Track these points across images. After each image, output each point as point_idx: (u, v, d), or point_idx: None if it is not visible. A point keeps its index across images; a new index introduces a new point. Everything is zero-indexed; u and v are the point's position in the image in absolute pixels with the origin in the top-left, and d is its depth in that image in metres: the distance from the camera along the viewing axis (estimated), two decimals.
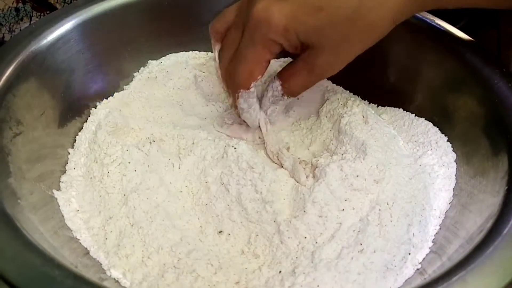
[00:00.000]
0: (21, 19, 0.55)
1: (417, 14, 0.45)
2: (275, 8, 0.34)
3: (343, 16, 0.33)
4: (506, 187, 0.32)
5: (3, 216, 0.30)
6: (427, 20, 0.44)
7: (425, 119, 0.44)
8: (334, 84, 0.51)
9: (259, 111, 0.42)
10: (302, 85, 0.39)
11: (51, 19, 0.44)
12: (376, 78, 0.48)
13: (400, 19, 0.35)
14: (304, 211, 0.36)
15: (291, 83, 0.39)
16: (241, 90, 0.38)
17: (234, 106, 0.41)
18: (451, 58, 0.42)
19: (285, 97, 0.40)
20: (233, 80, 0.39)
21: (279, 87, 0.40)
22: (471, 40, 0.42)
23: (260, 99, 0.42)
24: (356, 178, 0.37)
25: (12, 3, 0.55)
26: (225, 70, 0.40)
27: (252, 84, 0.38)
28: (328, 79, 0.52)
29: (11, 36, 0.54)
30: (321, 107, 0.46)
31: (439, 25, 0.44)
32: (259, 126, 0.43)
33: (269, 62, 0.38)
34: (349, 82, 0.50)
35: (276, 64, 0.49)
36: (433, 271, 0.31)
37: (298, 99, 0.46)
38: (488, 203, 0.33)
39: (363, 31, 0.34)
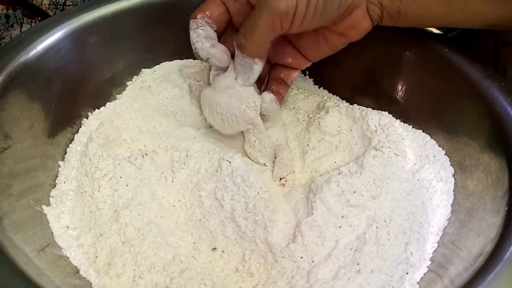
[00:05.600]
0: (12, 26, 0.54)
1: None
2: None
3: None
4: (506, 208, 0.31)
5: None
6: (426, 32, 0.44)
7: (423, 132, 0.43)
8: (331, 94, 0.51)
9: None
10: (250, 26, 0.35)
11: (41, 28, 0.43)
12: (373, 90, 0.47)
13: None
14: (301, 235, 0.35)
15: (241, 27, 0.37)
16: (190, 20, 0.39)
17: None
18: (450, 71, 0.41)
19: (237, 51, 0.37)
20: None
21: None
22: (470, 52, 0.41)
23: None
24: (353, 194, 0.37)
25: (2, 10, 0.53)
26: None
27: (199, 15, 0.39)
28: (325, 88, 0.52)
29: (0, 44, 0.53)
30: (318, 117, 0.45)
31: (437, 36, 0.43)
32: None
33: (224, 7, 0.39)
34: (346, 93, 0.49)
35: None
36: None
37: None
38: (489, 223, 0.32)
39: None
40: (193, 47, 0.39)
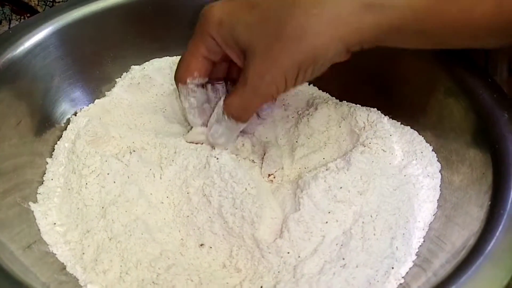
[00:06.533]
0: (0, 23, 0.54)
1: None
2: (217, 5, 0.34)
3: (274, 14, 0.31)
4: (489, 202, 0.32)
5: None
6: None
7: (411, 128, 0.43)
8: (321, 91, 0.51)
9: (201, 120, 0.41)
10: (238, 104, 0.36)
11: (29, 25, 0.43)
12: (361, 86, 0.47)
13: (354, 44, 0.32)
14: (288, 231, 0.35)
15: (228, 101, 0.36)
16: (179, 84, 0.38)
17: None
18: (436, 67, 0.41)
19: (226, 118, 0.37)
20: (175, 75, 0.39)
21: (221, 104, 0.38)
22: (458, 50, 0.42)
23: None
24: (340, 190, 0.37)
25: None
26: None
27: (188, 80, 0.37)
28: (314, 85, 0.52)
29: None
30: (307, 114, 0.45)
31: None
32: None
33: (208, 61, 0.37)
34: (335, 89, 0.49)
35: None
36: (417, 287, 0.31)
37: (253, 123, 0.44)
38: (473, 217, 0.32)
39: (295, 37, 0.31)
40: (184, 113, 0.41)
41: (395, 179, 0.39)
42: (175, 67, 0.50)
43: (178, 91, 0.39)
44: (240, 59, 0.35)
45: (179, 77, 0.38)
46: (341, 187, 0.37)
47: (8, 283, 0.27)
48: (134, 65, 0.50)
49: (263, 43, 0.32)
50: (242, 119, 0.37)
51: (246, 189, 0.37)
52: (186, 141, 0.42)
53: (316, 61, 0.32)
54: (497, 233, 0.29)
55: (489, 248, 0.28)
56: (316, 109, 0.46)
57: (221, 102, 0.38)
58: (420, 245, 0.35)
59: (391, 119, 0.44)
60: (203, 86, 0.39)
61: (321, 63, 0.33)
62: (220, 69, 0.40)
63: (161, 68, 0.50)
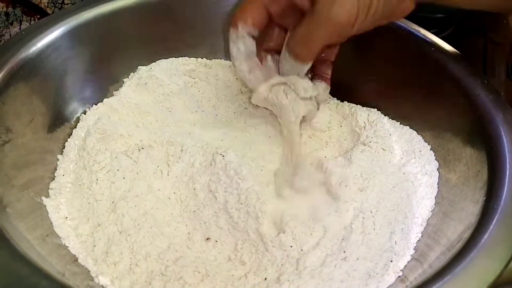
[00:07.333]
0: (11, 24, 0.55)
1: (402, 24, 0.46)
2: None
3: None
4: (484, 198, 0.33)
5: None
6: (411, 30, 0.45)
7: (410, 128, 0.45)
8: None
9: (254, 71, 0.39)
10: (300, 35, 0.34)
11: (41, 26, 0.45)
12: (362, 87, 0.49)
13: None
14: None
15: (291, 33, 0.35)
16: (231, 28, 0.37)
17: None
18: (434, 69, 0.43)
19: (288, 56, 0.36)
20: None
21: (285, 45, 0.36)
22: (454, 50, 0.43)
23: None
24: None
25: (2, 8, 0.55)
26: None
27: (240, 25, 0.36)
28: None
29: (0, 41, 0.54)
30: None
31: (423, 35, 0.45)
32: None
33: (266, 11, 0.35)
34: (336, 90, 0.51)
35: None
36: (414, 278, 0.32)
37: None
38: (469, 212, 0.34)
39: None
40: (231, 60, 0.39)
41: (394, 176, 0.41)
42: (181, 68, 0.52)
43: (229, 39, 0.38)
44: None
45: (232, 21, 0.37)
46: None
47: (29, 269, 0.28)
48: (141, 65, 0.51)
49: None
50: (302, 54, 0.35)
51: (252, 185, 0.38)
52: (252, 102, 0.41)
53: None
54: (491, 227, 0.30)
55: (483, 240, 0.29)
56: (318, 109, 0.47)
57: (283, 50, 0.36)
58: (418, 240, 0.37)
59: (390, 119, 0.46)
60: (253, 38, 0.38)
61: None
62: (278, 37, 0.39)
63: (167, 69, 0.51)
